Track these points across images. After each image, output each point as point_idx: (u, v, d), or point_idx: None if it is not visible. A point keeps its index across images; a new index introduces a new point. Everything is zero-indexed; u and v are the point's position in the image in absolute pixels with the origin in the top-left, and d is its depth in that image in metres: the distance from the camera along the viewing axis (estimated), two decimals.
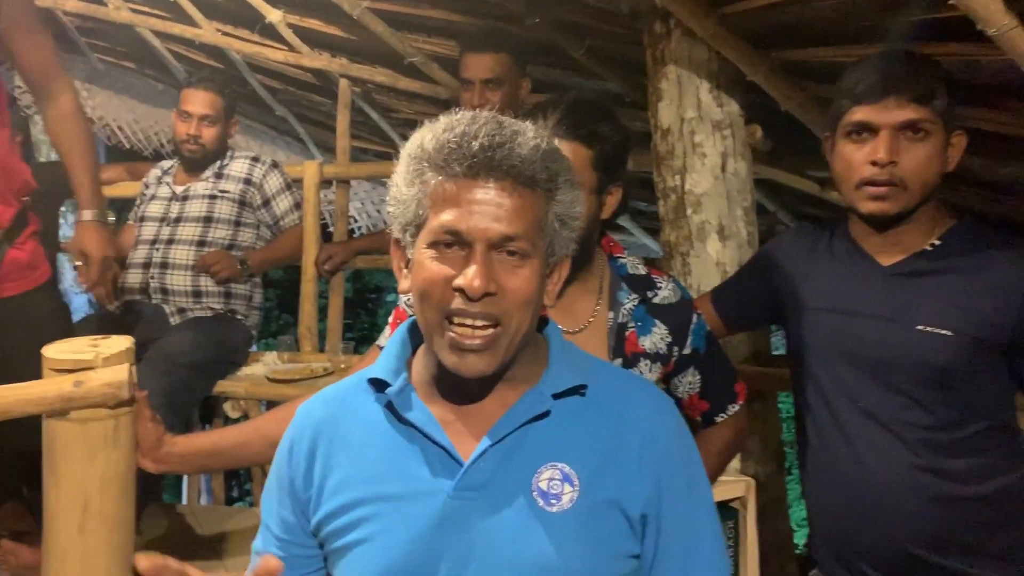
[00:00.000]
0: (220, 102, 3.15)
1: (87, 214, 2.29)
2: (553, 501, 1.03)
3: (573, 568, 1.02)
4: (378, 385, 1.11)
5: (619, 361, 1.57)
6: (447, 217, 0.99)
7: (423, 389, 1.10)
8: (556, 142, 1.41)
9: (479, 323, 1.00)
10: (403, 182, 1.04)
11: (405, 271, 1.08)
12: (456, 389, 1.08)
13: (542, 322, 1.15)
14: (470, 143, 0.99)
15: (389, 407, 1.09)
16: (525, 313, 1.02)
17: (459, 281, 0.99)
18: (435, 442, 1.06)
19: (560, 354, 1.12)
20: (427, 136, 1.03)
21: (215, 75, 3.35)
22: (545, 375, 1.09)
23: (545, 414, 1.06)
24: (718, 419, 1.69)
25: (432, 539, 1.03)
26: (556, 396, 1.07)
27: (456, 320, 1.01)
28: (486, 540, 1.02)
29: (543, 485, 1.04)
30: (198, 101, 3.12)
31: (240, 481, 8.64)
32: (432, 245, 1.01)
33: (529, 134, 1.02)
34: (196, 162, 3.16)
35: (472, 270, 0.98)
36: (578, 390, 1.09)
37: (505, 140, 0.99)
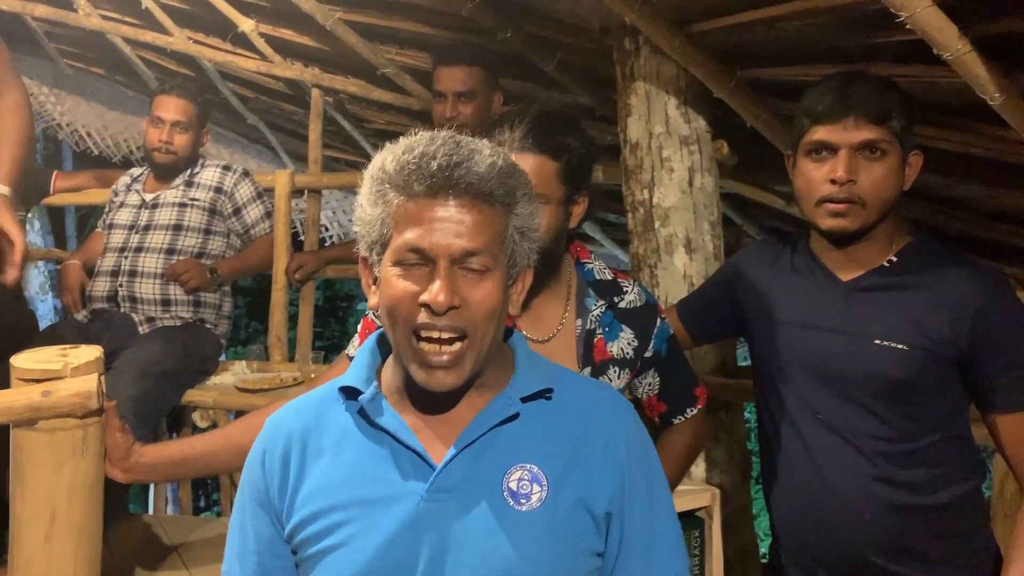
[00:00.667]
0: (193, 109, 3.14)
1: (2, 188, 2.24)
2: (523, 500, 1.07)
3: (542, 565, 1.06)
4: (349, 393, 1.13)
5: (588, 369, 1.59)
6: (410, 235, 1.03)
7: (393, 397, 1.13)
8: (523, 155, 1.44)
9: (446, 336, 1.04)
10: (367, 202, 1.08)
11: (373, 288, 1.11)
12: (425, 398, 1.11)
13: (507, 332, 1.18)
14: (429, 163, 1.03)
15: (361, 414, 1.12)
16: (490, 324, 1.06)
17: (424, 297, 1.02)
18: (407, 446, 1.08)
19: (526, 361, 1.16)
20: (388, 158, 1.07)
21: (188, 83, 3.34)
22: (513, 380, 1.13)
23: (514, 417, 1.10)
24: (676, 420, 1.72)
25: (406, 541, 1.05)
26: (524, 399, 1.11)
27: (423, 334, 1.04)
28: (459, 540, 1.05)
29: (513, 485, 1.08)
30: (171, 108, 3.11)
31: (208, 491, 8.57)
32: (397, 263, 1.05)
33: (486, 152, 1.06)
34: (167, 169, 3.15)
35: (436, 285, 1.02)
36: (544, 394, 1.13)
37: (462, 159, 1.04)
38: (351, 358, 1.60)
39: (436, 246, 1.03)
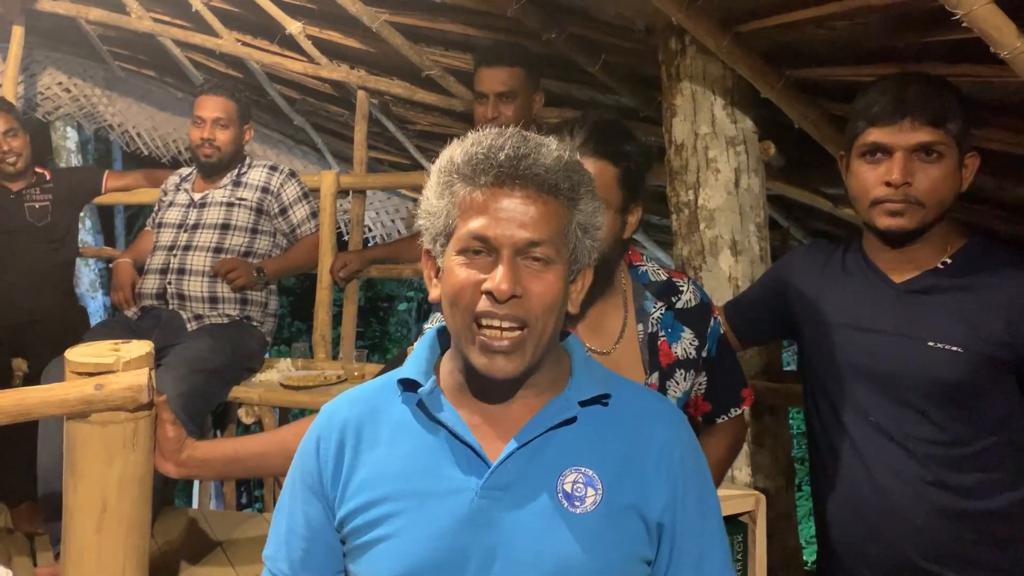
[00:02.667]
0: (232, 106, 3.18)
1: None
2: (577, 503, 1.07)
3: (594, 568, 1.05)
4: (408, 385, 1.14)
5: (656, 375, 1.57)
6: (475, 224, 1.05)
7: (451, 393, 1.13)
8: (584, 160, 1.44)
9: (506, 324, 1.04)
10: (433, 195, 1.10)
11: (435, 280, 1.13)
12: (483, 393, 1.12)
13: (564, 335, 1.18)
14: (497, 154, 1.05)
15: (420, 406, 1.13)
16: (550, 317, 1.06)
17: (487, 284, 1.04)
18: (463, 441, 1.09)
19: (583, 365, 1.16)
20: (456, 151, 1.09)
21: (226, 81, 3.39)
22: (571, 383, 1.13)
23: (571, 420, 1.10)
24: (719, 420, 1.70)
25: (458, 536, 1.06)
26: (582, 404, 1.11)
27: (484, 323, 1.05)
28: (511, 538, 1.05)
29: (567, 487, 1.08)
30: (210, 106, 3.16)
31: (250, 487, 8.68)
32: (461, 252, 1.06)
33: (552, 146, 1.08)
34: (212, 167, 3.20)
35: (499, 274, 1.03)
36: (601, 399, 1.13)
37: (529, 151, 1.05)
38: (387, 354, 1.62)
39: (501, 235, 1.04)
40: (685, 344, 1.60)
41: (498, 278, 1.03)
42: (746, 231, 2.45)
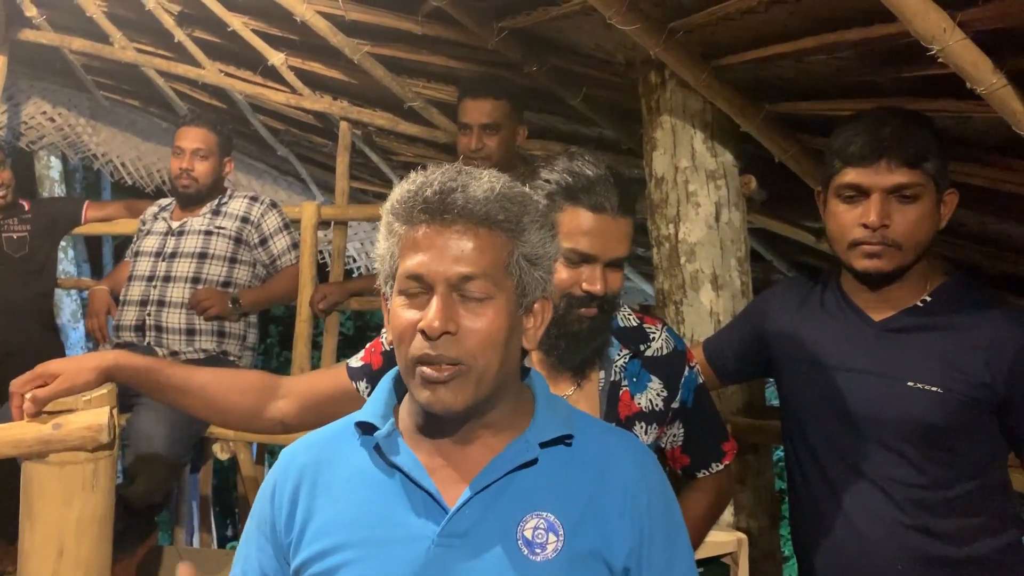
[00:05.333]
0: (213, 137, 3.16)
1: None
2: (538, 550, 1.03)
3: None
4: (365, 428, 1.11)
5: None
6: (410, 263, 1.03)
7: (409, 435, 1.10)
8: (623, 219, 1.42)
9: (442, 364, 1.02)
10: (381, 237, 1.09)
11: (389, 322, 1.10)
12: (439, 431, 1.08)
13: (525, 371, 1.15)
14: (425, 190, 1.03)
15: (377, 450, 1.09)
16: (492, 354, 1.03)
17: (421, 323, 1.01)
18: (420, 487, 1.05)
19: (545, 404, 1.12)
20: (396, 191, 1.08)
21: (207, 114, 3.38)
22: (532, 424, 1.09)
23: (532, 462, 1.06)
24: (699, 475, 1.63)
25: None
26: (543, 445, 1.07)
27: (423, 362, 1.02)
28: None
29: (528, 534, 1.04)
30: (190, 137, 3.14)
31: (235, 520, 8.57)
32: (402, 292, 1.05)
33: (484, 178, 1.06)
34: (190, 197, 3.17)
35: (431, 311, 1.01)
36: (564, 440, 1.09)
37: (458, 185, 1.03)
38: (350, 368, 1.58)
39: (433, 272, 1.02)
40: (651, 395, 1.54)
41: (429, 315, 1.01)
42: (727, 265, 2.43)
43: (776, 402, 1.89)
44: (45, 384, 1.48)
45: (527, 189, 1.11)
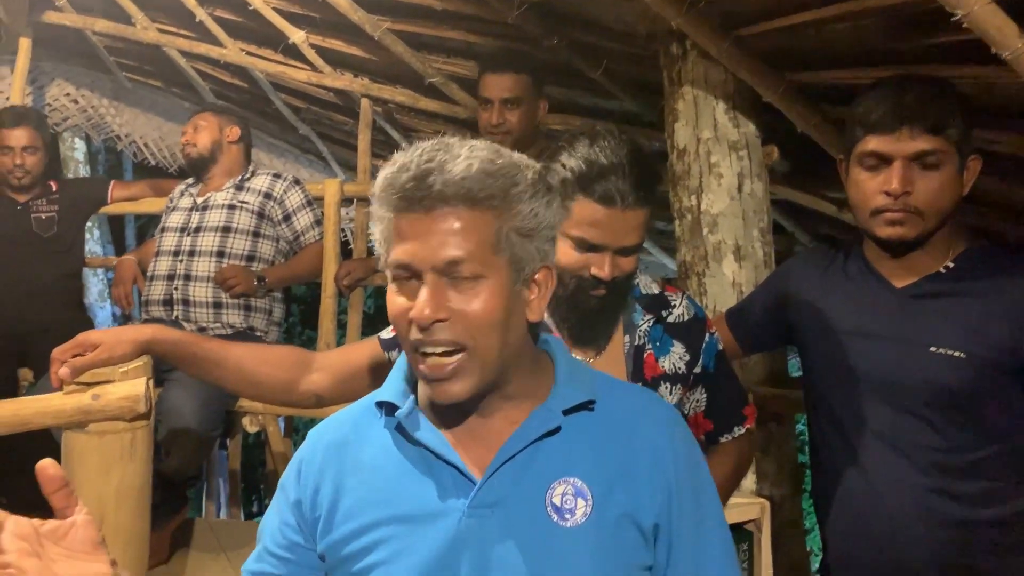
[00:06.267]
0: (209, 114, 3.30)
1: None
2: (567, 516, 1.04)
3: None
4: (387, 408, 1.11)
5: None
6: (396, 252, 1.01)
7: (431, 411, 1.10)
8: (626, 211, 1.42)
9: (440, 350, 1.01)
10: (373, 222, 1.07)
11: None
12: (460, 411, 1.08)
13: (536, 336, 1.14)
14: (401, 176, 1.00)
15: (399, 429, 1.09)
16: (492, 334, 1.01)
17: (411, 313, 1.00)
18: (447, 462, 1.06)
19: (567, 369, 1.12)
20: (380, 175, 1.05)
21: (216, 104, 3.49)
22: (553, 391, 1.09)
23: (556, 430, 1.06)
24: (722, 439, 1.67)
25: (449, 558, 1.03)
26: (566, 412, 1.07)
27: (422, 351, 1.02)
28: (502, 557, 1.02)
29: (556, 500, 1.04)
30: (191, 120, 3.28)
31: (260, 495, 8.70)
32: (394, 280, 1.03)
33: (462, 154, 1.01)
34: (195, 163, 3.25)
35: (420, 300, 1.00)
36: (586, 405, 1.09)
37: (435, 167, 1.00)
38: (382, 340, 1.60)
39: (419, 259, 1.00)
40: (674, 358, 1.57)
41: (419, 305, 1.00)
42: (749, 236, 2.43)
43: (798, 373, 1.91)
44: (84, 353, 1.52)
45: (517, 157, 1.06)
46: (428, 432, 1.07)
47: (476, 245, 1.00)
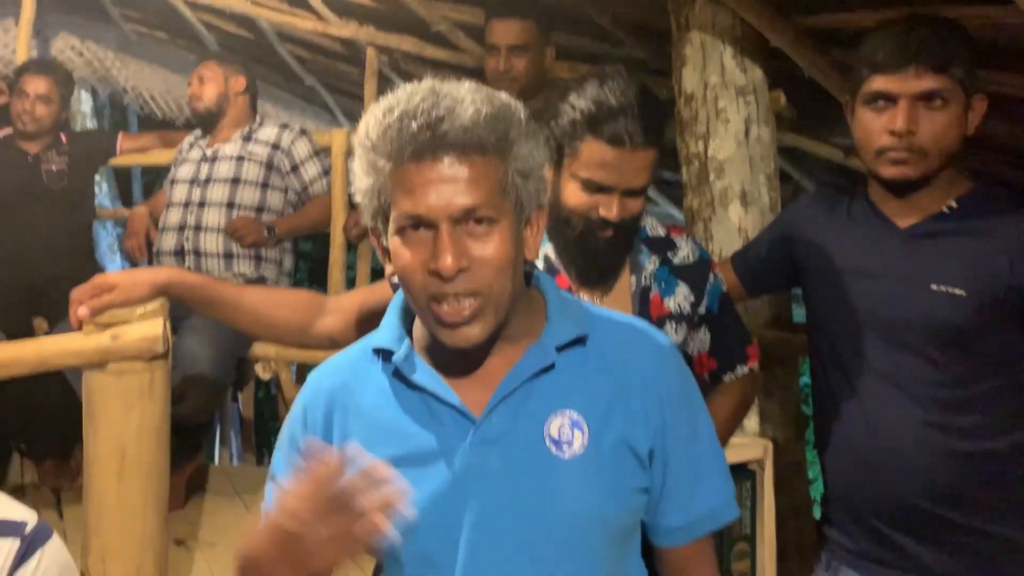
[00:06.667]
0: (214, 63, 3.32)
1: None
2: (565, 447, 1.07)
3: (590, 508, 1.06)
4: (382, 353, 1.12)
5: None
6: (406, 204, 1.00)
7: (426, 353, 1.12)
8: (635, 151, 1.43)
9: (461, 296, 1.01)
10: (361, 172, 1.04)
11: (387, 257, 1.09)
12: (458, 352, 1.09)
13: (529, 276, 1.15)
14: (409, 124, 0.98)
15: (396, 374, 1.11)
16: (505, 277, 1.03)
17: (432, 265, 0.99)
18: (445, 402, 1.08)
19: (557, 306, 1.13)
20: (371, 123, 1.02)
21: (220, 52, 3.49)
22: (547, 329, 1.10)
23: (550, 367, 1.09)
24: (726, 378, 1.70)
25: (453, 494, 1.06)
26: (559, 349, 1.09)
27: (440, 301, 1.02)
28: (505, 490, 1.06)
29: (554, 433, 1.07)
30: (196, 70, 3.33)
31: (271, 449, 8.81)
32: (400, 232, 1.02)
33: (467, 100, 1.00)
34: (204, 117, 3.27)
35: (441, 251, 0.99)
36: (579, 341, 1.11)
37: (444, 113, 0.98)
38: (393, 282, 1.60)
39: (434, 209, 0.99)
40: (679, 299, 1.60)
41: (441, 256, 0.98)
42: (756, 182, 2.44)
43: (803, 319, 1.93)
44: (102, 295, 1.55)
45: (505, 97, 1.06)
46: (425, 375, 1.09)
47: (488, 191, 1.00)
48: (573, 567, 1.07)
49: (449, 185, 0.98)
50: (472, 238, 1.00)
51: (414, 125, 0.97)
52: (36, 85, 3.43)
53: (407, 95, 1.00)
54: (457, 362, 1.10)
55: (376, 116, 1.01)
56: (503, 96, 1.05)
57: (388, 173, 1.00)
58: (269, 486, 1.19)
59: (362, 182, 1.04)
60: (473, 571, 1.06)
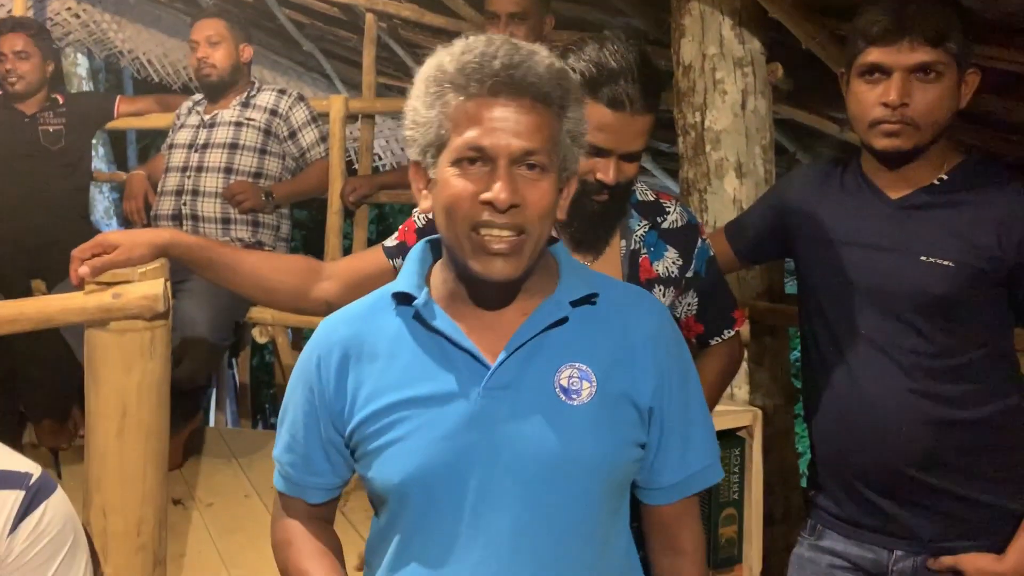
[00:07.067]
0: (222, 23, 3.23)
1: None
2: (574, 396, 1.13)
3: (594, 455, 1.12)
4: (401, 298, 1.17)
5: None
6: (471, 134, 1.05)
7: (444, 302, 1.17)
8: (645, 116, 1.45)
9: (506, 232, 1.07)
10: (422, 105, 1.10)
11: (425, 192, 1.15)
12: (478, 299, 1.16)
13: (551, 240, 1.22)
14: (490, 62, 1.05)
15: (416, 317, 1.16)
16: (545, 223, 1.09)
17: (487, 195, 1.05)
18: (461, 348, 1.13)
19: (569, 268, 1.20)
20: (445, 59, 1.08)
21: (219, 6, 3.43)
22: (560, 286, 1.17)
23: (563, 320, 1.15)
24: (712, 342, 1.73)
25: (464, 435, 1.11)
26: (572, 304, 1.15)
27: (484, 231, 1.07)
28: (515, 433, 1.11)
29: (564, 382, 1.13)
30: (200, 28, 3.23)
31: (266, 415, 8.87)
32: (456, 163, 1.07)
33: (543, 54, 1.08)
34: (214, 86, 3.24)
35: (498, 184, 1.05)
36: (590, 299, 1.17)
37: (523, 59, 1.05)
38: (386, 247, 1.65)
39: (497, 145, 1.05)
40: (667, 263, 1.63)
41: (497, 188, 1.04)
42: (751, 153, 2.46)
43: (794, 290, 1.96)
44: (104, 253, 1.57)
45: (563, 64, 1.13)
46: (443, 321, 1.14)
47: (545, 140, 1.07)
48: (575, 511, 1.13)
49: (513, 125, 1.05)
50: (523, 180, 1.06)
51: (496, 64, 1.05)
52: (11, 43, 3.40)
53: (485, 40, 1.08)
54: (472, 312, 1.16)
55: (453, 53, 1.08)
56: (562, 62, 1.12)
57: (457, 105, 1.06)
58: (280, 432, 1.25)
59: (420, 114, 1.10)
60: (480, 511, 1.11)
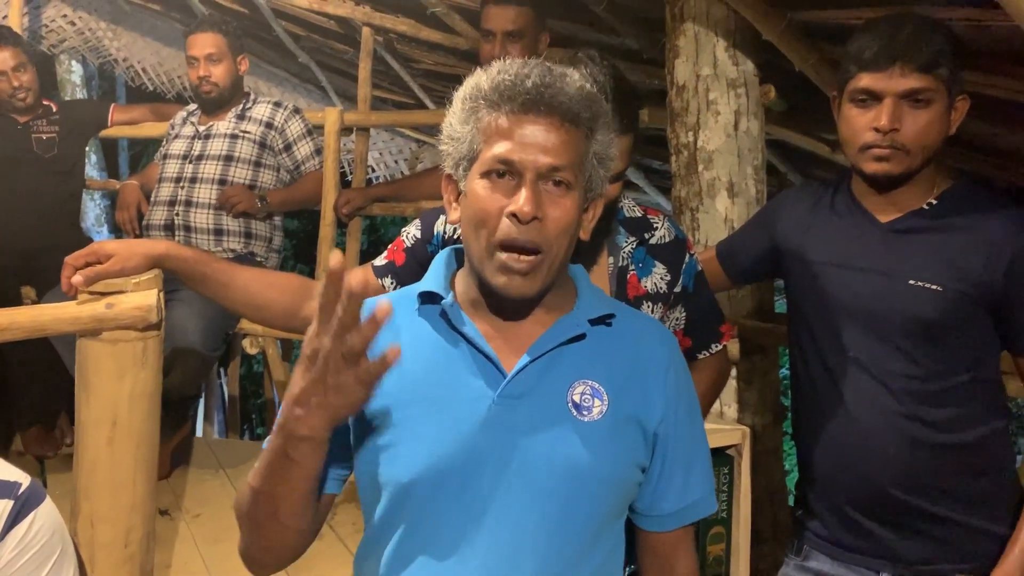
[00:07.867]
0: (221, 39, 3.20)
1: None
2: (585, 412, 1.15)
3: (599, 471, 1.14)
4: (428, 298, 1.20)
5: None
6: (500, 149, 1.10)
7: (466, 307, 1.20)
8: (623, 137, 1.45)
9: (526, 249, 1.10)
10: (457, 121, 1.15)
11: (455, 204, 1.19)
12: (499, 309, 1.18)
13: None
14: (524, 81, 1.09)
15: (442, 317, 1.18)
16: (564, 241, 1.12)
17: (511, 207, 1.09)
18: (482, 352, 1.15)
19: (587, 288, 1.24)
20: (482, 79, 1.14)
21: (213, 17, 3.41)
22: (579, 303, 1.21)
23: (580, 336, 1.17)
24: (700, 356, 1.75)
25: (476, 439, 1.12)
26: (590, 322, 1.18)
27: (506, 245, 1.10)
28: (525, 442, 1.12)
29: (576, 398, 1.15)
30: (200, 43, 3.18)
31: (252, 425, 8.84)
32: (485, 175, 1.11)
33: (575, 77, 1.12)
34: (214, 102, 3.23)
35: (523, 196, 1.08)
36: (607, 319, 1.20)
37: (554, 80, 1.10)
38: (375, 267, 1.66)
39: (524, 159, 1.09)
40: (655, 279, 1.65)
41: (521, 200, 1.08)
42: (743, 173, 2.48)
43: (783, 309, 1.97)
44: (99, 262, 1.57)
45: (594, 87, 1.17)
46: (467, 325, 1.17)
47: (572, 159, 1.11)
48: (578, 523, 1.14)
49: (542, 142, 1.09)
50: (547, 196, 1.10)
51: (528, 83, 1.09)
52: (4, 60, 3.36)
53: (521, 63, 1.13)
54: (494, 320, 1.18)
55: (490, 74, 1.13)
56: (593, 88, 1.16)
57: (489, 121, 1.11)
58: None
59: (455, 130, 1.15)
60: (486, 515, 1.12)
